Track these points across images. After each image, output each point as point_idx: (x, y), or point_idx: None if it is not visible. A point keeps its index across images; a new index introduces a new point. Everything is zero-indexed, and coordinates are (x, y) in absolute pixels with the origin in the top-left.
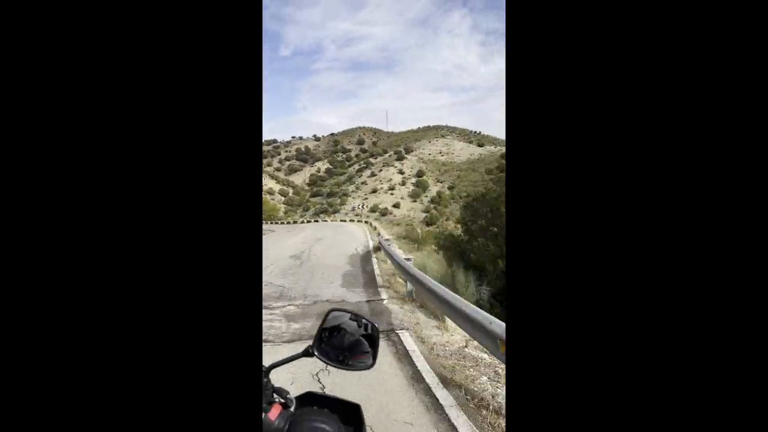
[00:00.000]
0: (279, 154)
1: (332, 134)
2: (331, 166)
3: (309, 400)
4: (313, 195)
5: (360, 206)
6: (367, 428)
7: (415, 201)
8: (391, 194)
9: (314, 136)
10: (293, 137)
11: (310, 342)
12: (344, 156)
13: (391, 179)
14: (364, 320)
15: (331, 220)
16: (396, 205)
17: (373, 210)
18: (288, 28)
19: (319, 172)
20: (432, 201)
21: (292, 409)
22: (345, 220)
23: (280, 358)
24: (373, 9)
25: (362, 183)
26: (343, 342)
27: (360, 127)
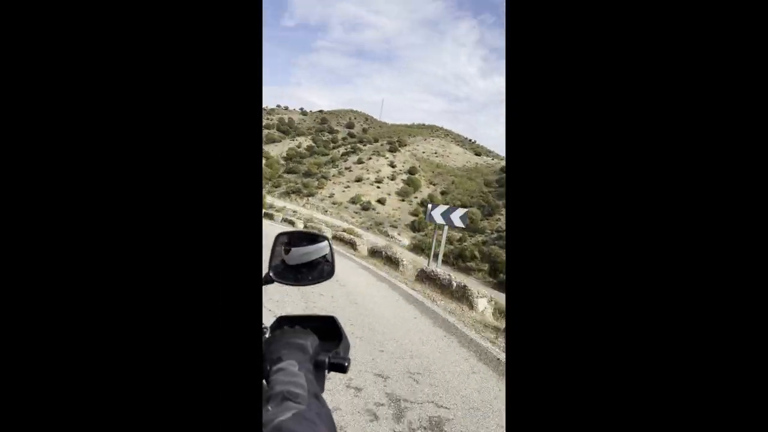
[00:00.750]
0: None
1: (321, 111)
2: (313, 144)
3: (281, 323)
4: (289, 171)
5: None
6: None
7: (403, 200)
8: (378, 187)
9: (301, 109)
10: (278, 105)
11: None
12: (330, 136)
13: (379, 171)
14: (312, 234)
15: (304, 205)
16: (381, 201)
17: (354, 201)
18: None
19: (299, 147)
20: (422, 204)
21: (267, 335)
22: (331, 220)
23: None
24: (386, 1)
25: (347, 168)
26: (298, 260)
27: (351, 110)
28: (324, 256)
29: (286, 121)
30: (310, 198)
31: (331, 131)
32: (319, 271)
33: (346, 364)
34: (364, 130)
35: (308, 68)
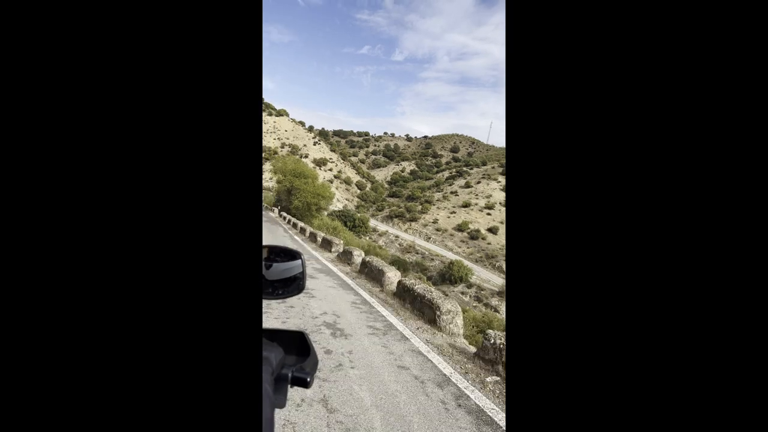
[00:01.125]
0: (367, 146)
1: (426, 137)
2: (417, 168)
3: None
4: (392, 195)
5: None
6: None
7: None
8: (488, 214)
9: (407, 136)
10: (385, 133)
11: None
12: (434, 161)
13: (490, 196)
14: (286, 250)
15: (407, 230)
16: (492, 229)
17: (460, 228)
18: (407, 35)
19: (403, 171)
20: None
21: None
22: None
23: None
24: (494, 28)
25: (452, 192)
26: (272, 275)
27: (456, 135)
28: (299, 273)
29: (392, 147)
30: (412, 223)
31: (435, 155)
32: (293, 286)
33: (309, 379)
34: (470, 154)
35: (413, 98)
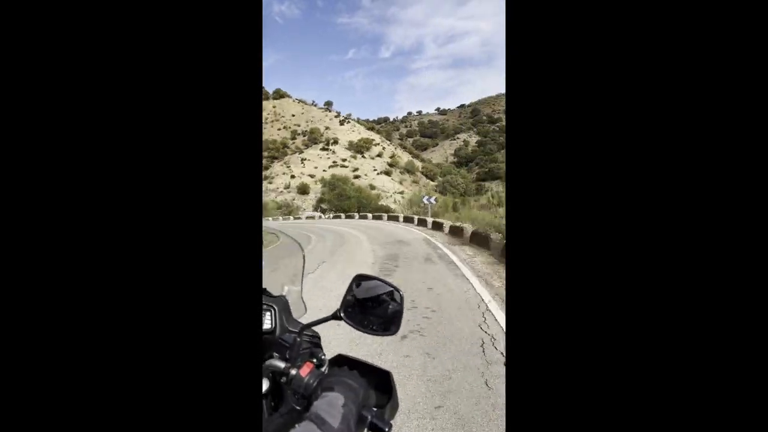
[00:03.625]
0: (397, 129)
1: (462, 105)
2: (482, 138)
3: (341, 362)
4: (482, 179)
5: None
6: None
7: None
8: None
9: (438, 109)
10: (410, 113)
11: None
12: (496, 126)
13: None
14: (389, 286)
15: None
16: None
17: None
18: (391, 29)
19: (467, 146)
20: None
21: (324, 369)
22: None
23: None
24: (479, 3)
25: None
26: (369, 307)
27: (503, 95)
28: (393, 308)
29: (427, 123)
30: None
31: (492, 120)
32: (389, 324)
33: (387, 429)
34: None
35: (409, 91)
